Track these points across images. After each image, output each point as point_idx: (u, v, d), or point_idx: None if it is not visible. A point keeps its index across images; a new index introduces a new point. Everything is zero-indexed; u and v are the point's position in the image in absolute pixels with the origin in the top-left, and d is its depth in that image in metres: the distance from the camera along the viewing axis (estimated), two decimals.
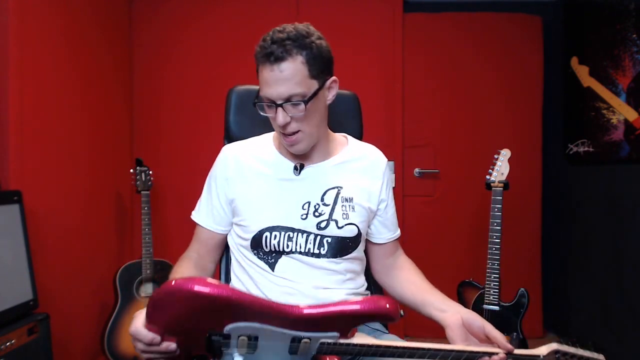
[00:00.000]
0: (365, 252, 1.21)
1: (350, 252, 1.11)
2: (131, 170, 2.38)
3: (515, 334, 1.90)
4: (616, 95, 2.37)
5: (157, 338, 0.79)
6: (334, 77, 1.07)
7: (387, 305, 0.81)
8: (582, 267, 2.71)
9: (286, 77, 0.96)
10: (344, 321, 0.83)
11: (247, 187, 1.11)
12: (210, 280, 0.75)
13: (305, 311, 0.79)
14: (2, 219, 1.60)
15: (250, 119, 1.35)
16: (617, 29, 2.35)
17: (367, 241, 1.21)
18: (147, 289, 2.30)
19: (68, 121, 2.22)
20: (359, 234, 1.11)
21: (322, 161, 1.13)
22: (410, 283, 1.15)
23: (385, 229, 1.20)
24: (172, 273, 1.10)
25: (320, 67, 1.01)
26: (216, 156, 1.19)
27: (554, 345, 0.90)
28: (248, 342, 0.81)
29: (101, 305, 2.43)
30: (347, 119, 1.39)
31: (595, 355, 0.93)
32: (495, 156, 2.02)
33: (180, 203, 2.64)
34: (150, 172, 2.35)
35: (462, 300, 2.03)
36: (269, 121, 1.07)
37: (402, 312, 0.99)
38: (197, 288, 0.73)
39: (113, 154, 2.62)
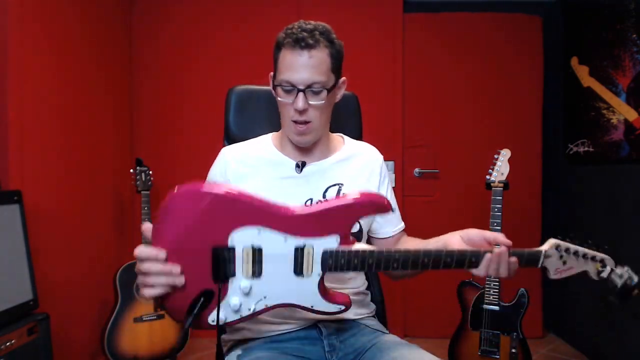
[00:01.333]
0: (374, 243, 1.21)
1: None
2: (131, 170, 2.38)
3: (515, 334, 1.90)
4: (616, 95, 2.37)
5: (163, 252, 0.80)
6: (344, 78, 1.11)
7: (380, 196, 0.86)
8: None
9: (313, 64, 0.99)
10: (341, 218, 0.85)
11: (248, 187, 1.11)
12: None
13: (297, 212, 0.84)
14: (2, 219, 1.60)
15: (249, 119, 1.35)
16: (617, 29, 2.35)
17: (373, 238, 1.21)
18: None
19: (68, 121, 2.22)
20: (360, 230, 1.12)
21: (323, 159, 1.14)
22: (410, 243, 1.16)
23: (388, 223, 1.20)
24: None
25: (338, 64, 1.05)
26: (216, 156, 1.19)
27: (553, 241, 0.91)
28: (253, 258, 0.83)
29: (101, 305, 2.43)
30: (347, 119, 1.39)
31: (597, 253, 0.94)
32: (495, 156, 2.02)
33: None
34: (150, 172, 2.35)
35: (462, 300, 2.03)
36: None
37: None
38: (199, 188, 0.82)
39: (113, 154, 2.62)
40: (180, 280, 0.81)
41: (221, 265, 0.83)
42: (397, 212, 1.23)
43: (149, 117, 2.88)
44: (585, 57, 2.64)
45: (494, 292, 1.95)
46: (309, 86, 1.00)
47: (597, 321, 2.54)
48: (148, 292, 0.81)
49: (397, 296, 2.93)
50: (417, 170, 2.97)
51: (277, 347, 1.02)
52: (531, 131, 2.94)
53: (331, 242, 0.85)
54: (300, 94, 1.01)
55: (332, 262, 0.85)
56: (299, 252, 0.84)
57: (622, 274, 0.93)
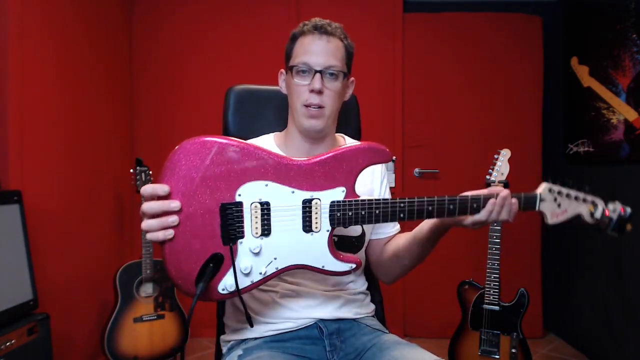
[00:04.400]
0: (368, 249, 1.20)
1: (355, 252, 1.12)
2: (131, 170, 2.38)
3: (515, 334, 1.90)
4: (616, 95, 2.37)
5: (166, 187, 0.80)
6: (353, 78, 1.14)
7: (381, 145, 0.88)
8: (582, 267, 2.71)
9: (331, 49, 1.04)
10: (345, 169, 0.87)
11: None
12: None
13: (303, 163, 0.85)
14: (2, 219, 1.60)
15: (248, 118, 1.34)
16: (617, 29, 2.35)
17: (372, 241, 1.20)
18: (147, 289, 2.30)
19: (68, 121, 2.22)
20: (363, 233, 1.12)
21: None
22: (399, 238, 1.15)
23: (385, 224, 1.19)
24: None
25: (350, 61, 1.10)
26: None
27: (545, 184, 0.95)
28: (262, 214, 0.83)
29: (101, 305, 2.43)
30: (346, 119, 1.39)
31: (588, 195, 0.97)
32: (495, 156, 2.02)
33: None
34: (150, 172, 2.35)
35: (462, 300, 2.03)
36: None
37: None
38: (204, 138, 0.81)
39: (113, 154, 2.62)
40: (174, 219, 0.80)
41: (229, 225, 0.82)
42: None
43: (149, 117, 2.88)
44: (585, 57, 2.64)
45: (494, 292, 1.95)
46: (326, 68, 1.03)
47: (597, 321, 2.54)
48: (150, 235, 0.81)
49: (397, 296, 2.93)
50: (417, 170, 2.97)
51: (278, 346, 1.02)
52: (531, 131, 2.94)
53: (337, 194, 0.87)
54: (317, 75, 1.03)
55: (340, 215, 0.86)
56: (306, 206, 0.85)
57: (615, 208, 0.97)
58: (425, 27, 2.96)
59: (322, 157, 0.87)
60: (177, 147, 0.81)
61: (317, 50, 1.03)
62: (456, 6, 3.01)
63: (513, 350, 1.89)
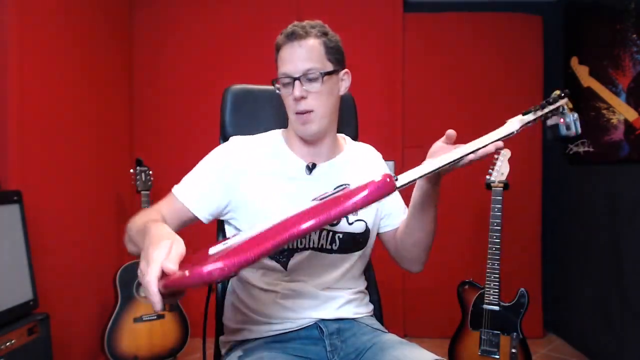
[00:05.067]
0: (386, 244, 1.21)
1: (360, 249, 1.13)
2: (131, 170, 2.38)
3: (515, 334, 1.90)
4: (616, 95, 2.37)
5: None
6: (346, 70, 1.12)
7: (385, 180, 0.78)
8: (582, 267, 2.71)
9: (305, 51, 1.03)
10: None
11: (258, 185, 1.08)
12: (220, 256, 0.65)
13: (304, 226, 0.71)
14: (2, 219, 1.60)
15: (246, 118, 1.34)
16: (617, 29, 2.35)
17: (385, 234, 1.20)
18: None
19: (68, 121, 2.22)
20: (367, 229, 1.13)
21: (331, 159, 1.14)
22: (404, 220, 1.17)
23: (399, 212, 1.20)
24: (138, 221, 0.97)
25: (335, 55, 1.08)
26: None
27: (516, 122, 1.00)
28: None
29: (101, 305, 2.42)
30: (344, 120, 1.39)
31: (551, 106, 1.01)
32: (495, 156, 2.02)
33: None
34: (150, 172, 2.35)
35: (462, 300, 2.04)
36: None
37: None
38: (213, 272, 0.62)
39: (113, 154, 2.62)
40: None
41: None
42: (402, 202, 1.23)
43: (149, 117, 2.88)
44: (585, 57, 2.64)
45: (494, 292, 1.95)
46: (303, 74, 1.03)
47: (597, 321, 2.54)
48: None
49: (397, 296, 2.93)
50: None
51: (278, 347, 1.02)
52: (531, 131, 2.93)
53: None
54: (297, 82, 1.03)
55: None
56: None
57: (569, 123, 1.01)
58: (425, 27, 2.96)
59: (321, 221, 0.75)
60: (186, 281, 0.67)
61: (292, 58, 1.04)
62: (456, 6, 3.01)
63: (513, 350, 1.89)
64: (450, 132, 1.03)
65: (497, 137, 0.94)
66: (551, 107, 1.00)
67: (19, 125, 1.87)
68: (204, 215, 1.08)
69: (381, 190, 0.74)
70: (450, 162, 0.88)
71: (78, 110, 2.29)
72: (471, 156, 0.92)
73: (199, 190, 1.08)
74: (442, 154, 0.91)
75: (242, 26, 2.89)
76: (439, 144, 1.06)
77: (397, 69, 2.91)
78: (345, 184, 1.11)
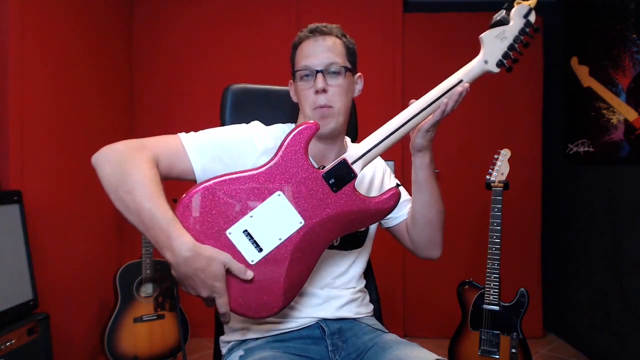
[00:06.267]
0: (400, 239, 1.21)
1: (360, 246, 1.13)
2: None
3: (515, 334, 1.90)
4: (616, 95, 2.37)
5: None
6: (360, 73, 1.15)
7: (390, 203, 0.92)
8: (582, 267, 2.71)
9: (329, 46, 1.05)
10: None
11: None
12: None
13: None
14: (2, 219, 1.60)
15: (246, 117, 1.34)
16: (617, 29, 2.35)
17: (396, 227, 1.20)
18: (147, 289, 2.30)
19: (68, 121, 2.22)
20: (367, 227, 1.13)
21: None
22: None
23: (404, 202, 1.20)
24: (132, 159, 0.96)
25: (352, 57, 1.11)
26: None
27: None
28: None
29: (101, 305, 2.43)
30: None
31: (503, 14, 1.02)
32: (495, 156, 2.02)
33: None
34: None
35: (462, 300, 2.03)
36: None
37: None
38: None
39: None
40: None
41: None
42: (405, 192, 1.23)
43: (149, 117, 2.88)
44: (585, 57, 2.64)
45: (494, 292, 1.95)
46: (326, 67, 1.04)
47: (597, 321, 2.54)
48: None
49: (397, 296, 2.93)
50: None
51: (279, 346, 1.02)
52: (531, 131, 2.93)
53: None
54: (319, 75, 1.03)
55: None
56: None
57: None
58: (425, 27, 2.96)
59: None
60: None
61: (316, 52, 1.04)
62: (456, 6, 3.01)
63: (513, 350, 1.89)
64: (411, 101, 1.05)
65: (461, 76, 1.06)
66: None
67: (19, 126, 1.87)
68: (199, 172, 1.02)
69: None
70: (410, 118, 1.00)
71: (78, 110, 2.29)
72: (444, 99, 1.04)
73: (208, 153, 1.01)
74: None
75: (241, 26, 2.89)
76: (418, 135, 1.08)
77: (397, 69, 2.91)
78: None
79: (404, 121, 0.98)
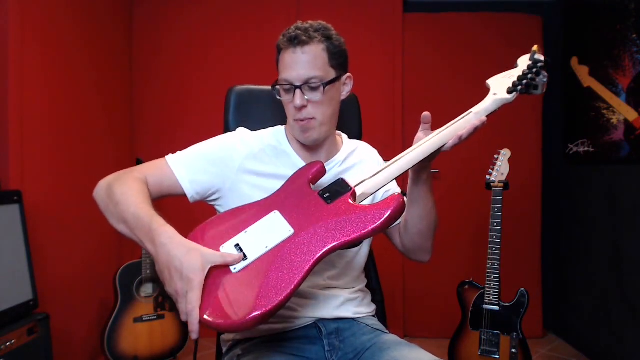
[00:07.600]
0: (392, 240, 1.21)
1: (356, 245, 1.13)
2: None
3: (515, 334, 1.90)
4: (616, 95, 2.37)
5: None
6: (349, 74, 1.11)
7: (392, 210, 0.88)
8: (582, 267, 2.71)
9: (307, 59, 1.01)
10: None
11: (254, 184, 1.08)
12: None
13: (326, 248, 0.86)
14: (2, 219, 1.60)
15: (249, 118, 1.35)
16: (617, 29, 2.35)
17: (392, 232, 1.19)
18: (147, 289, 2.30)
19: (68, 121, 2.22)
20: None
21: (329, 159, 1.14)
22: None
23: None
24: (124, 181, 0.97)
25: (339, 60, 1.06)
26: None
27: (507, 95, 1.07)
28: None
29: (101, 305, 2.43)
30: (347, 119, 1.39)
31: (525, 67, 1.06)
32: (495, 156, 2.02)
33: (180, 203, 2.63)
34: None
35: (462, 300, 2.03)
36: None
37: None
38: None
39: (113, 154, 2.62)
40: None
41: None
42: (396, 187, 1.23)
43: (149, 117, 2.88)
44: (585, 57, 2.64)
45: (494, 292, 1.95)
46: (305, 82, 1.01)
47: (597, 321, 2.54)
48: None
49: (397, 296, 2.93)
50: None
51: (276, 346, 1.02)
52: (531, 131, 2.93)
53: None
54: (297, 91, 1.01)
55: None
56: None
57: (538, 84, 1.06)
58: (425, 27, 2.96)
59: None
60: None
61: (294, 66, 1.01)
62: (456, 6, 3.01)
63: (513, 350, 1.89)
64: (425, 114, 1.05)
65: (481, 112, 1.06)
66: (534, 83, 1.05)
67: (19, 126, 1.87)
68: (191, 193, 1.06)
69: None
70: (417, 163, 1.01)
71: (78, 111, 2.30)
72: (450, 142, 1.03)
73: (194, 167, 1.06)
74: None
75: (241, 26, 2.89)
76: (419, 134, 1.07)
77: (397, 69, 2.91)
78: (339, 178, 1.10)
79: (411, 164, 1.03)
